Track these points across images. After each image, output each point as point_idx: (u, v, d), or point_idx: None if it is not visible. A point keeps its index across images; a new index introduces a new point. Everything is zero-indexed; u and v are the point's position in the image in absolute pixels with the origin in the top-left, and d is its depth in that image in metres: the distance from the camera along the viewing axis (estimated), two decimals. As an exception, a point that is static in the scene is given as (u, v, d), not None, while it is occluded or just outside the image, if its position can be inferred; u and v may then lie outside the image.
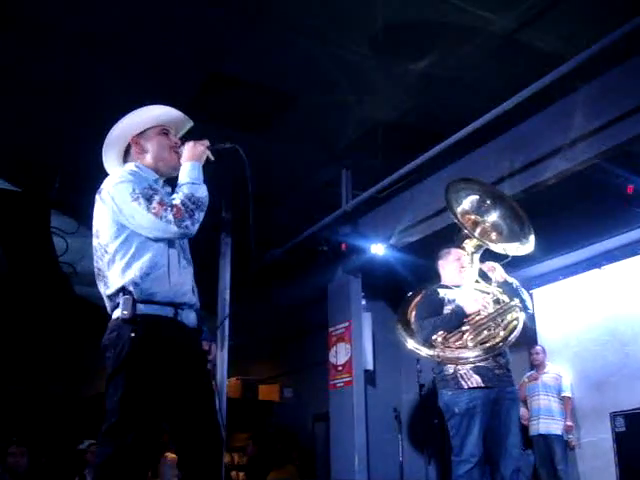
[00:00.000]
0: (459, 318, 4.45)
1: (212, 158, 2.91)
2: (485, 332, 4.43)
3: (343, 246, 7.51)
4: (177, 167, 2.87)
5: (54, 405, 11.00)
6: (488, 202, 4.71)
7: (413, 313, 5.02)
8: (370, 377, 8.25)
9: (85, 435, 9.24)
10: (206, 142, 2.92)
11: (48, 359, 11.52)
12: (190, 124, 3.13)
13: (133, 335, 2.56)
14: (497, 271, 4.67)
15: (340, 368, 8.10)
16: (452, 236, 5.06)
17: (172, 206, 2.66)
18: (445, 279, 4.82)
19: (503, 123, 5.65)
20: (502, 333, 4.45)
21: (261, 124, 6.14)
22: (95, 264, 2.78)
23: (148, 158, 2.93)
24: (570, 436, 7.14)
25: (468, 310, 4.45)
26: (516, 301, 4.52)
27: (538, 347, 7.48)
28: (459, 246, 4.81)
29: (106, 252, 2.71)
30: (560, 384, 7.30)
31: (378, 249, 7.41)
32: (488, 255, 4.72)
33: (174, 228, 2.64)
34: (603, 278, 7.24)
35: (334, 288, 8.34)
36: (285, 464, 9.04)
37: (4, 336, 10.05)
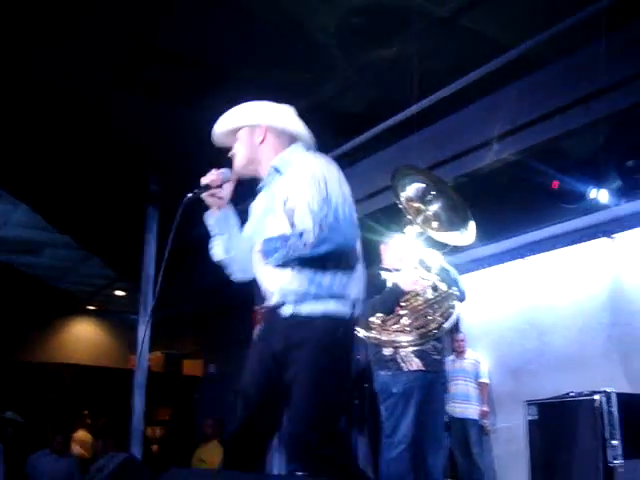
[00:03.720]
0: (395, 295, 4.48)
1: None
2: (422, 318, 4.49)
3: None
4: None
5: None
6: (432, 192, 4.76)
7: None
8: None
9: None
10: None
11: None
12: None
13: None
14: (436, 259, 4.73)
15: (264, 346, 8.06)
16: (383, 219, 5.08)
17: None
18: (386, 262, 4.88)
19: (438, 111, 5.67)
20: (438, 319, 4.52)
21: (192, 98, 5.99)
22: None
23: None
24: (485, 421, 7.34)
25: (404, 287, 4.48)
26: (454, 289, 4.59)
27: (461, 334, 7.62)
28: (402, 232, 4.86)
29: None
30: (478, 370, 7.48)
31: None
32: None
33: None
34: (526, 268, 7.41)
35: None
36: (210, 440, 9.01)
37: None
